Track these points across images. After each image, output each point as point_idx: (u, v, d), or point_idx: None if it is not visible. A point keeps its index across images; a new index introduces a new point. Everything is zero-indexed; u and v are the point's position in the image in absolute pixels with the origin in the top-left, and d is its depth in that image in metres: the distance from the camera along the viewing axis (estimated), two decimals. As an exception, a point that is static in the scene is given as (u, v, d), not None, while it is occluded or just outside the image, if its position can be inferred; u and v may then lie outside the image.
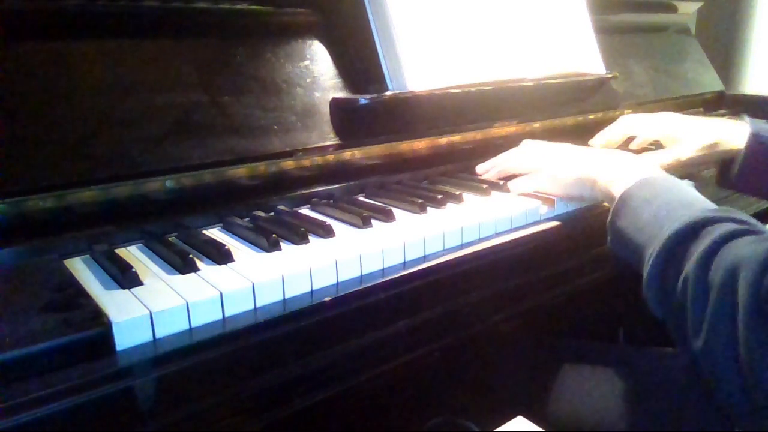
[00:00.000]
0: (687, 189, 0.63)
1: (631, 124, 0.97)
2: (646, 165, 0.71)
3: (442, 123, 0.93)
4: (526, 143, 0.89)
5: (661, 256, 0.53)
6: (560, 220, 0.78)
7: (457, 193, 0.80)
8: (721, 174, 0.90)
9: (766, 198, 0.99)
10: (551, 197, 0.80)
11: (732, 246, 0.48)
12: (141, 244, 0.67)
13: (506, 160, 0.88)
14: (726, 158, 0.87)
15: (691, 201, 0.60)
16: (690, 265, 0.49)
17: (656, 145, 0.96)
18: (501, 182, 0.85)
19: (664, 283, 0.53)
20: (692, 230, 0.52)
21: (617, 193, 0.67)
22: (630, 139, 0.98)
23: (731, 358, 0.44)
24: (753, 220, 0.54)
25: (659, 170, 0.70)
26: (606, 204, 0.73)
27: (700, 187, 0.65)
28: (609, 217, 0.67)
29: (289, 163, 0.80)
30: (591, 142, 0.98)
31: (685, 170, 0.89)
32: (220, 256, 0.60)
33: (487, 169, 0.91)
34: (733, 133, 0.88)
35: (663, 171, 0.71)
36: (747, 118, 0.91)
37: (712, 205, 0.59)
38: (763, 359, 0.41)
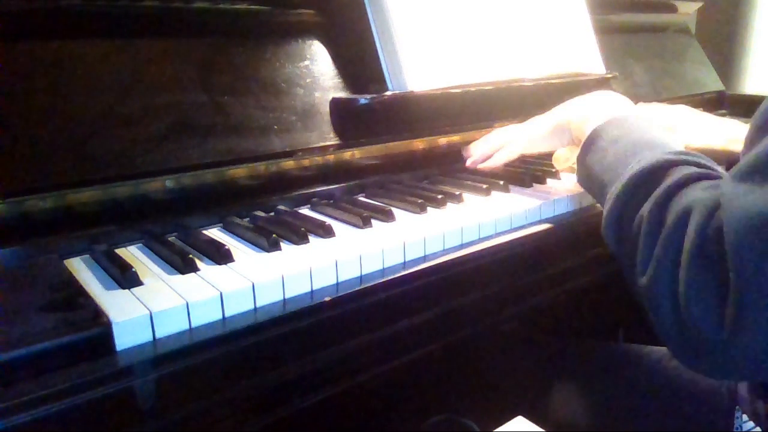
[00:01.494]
0: (656, 129, 0.64)
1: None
2: (619, 103, 0.72)
3: (442, 123, 0.93)
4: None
5: (621, 196, 0.55)
6: (560, 220, 0.78)
7: (457, 193, 0.80)
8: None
9: None
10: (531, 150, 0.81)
11: (688, 190, 0.49)
12: (141, 244, 0.67)
13: (485, 139, 0.88)
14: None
15: (658, 142, 0.61)
16: (646, 206, 0.51)
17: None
18: (501, 182, 0.85)
19: (621, 221, 0.54)
20: (653, 172, 0.53)
21: (588, 131, 0.68)
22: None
23: (670, 295, 0.46)
24: (714, 165, 0.55)
25: (632, 108, 0.72)
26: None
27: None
28: (578, 153, 0.69)
29: (289, 163, 0.80)
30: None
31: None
32: (220, 256, 0.60)
33: (472, 155, 0.89)
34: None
35: (636, 108, 0.71)
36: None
37: (679, 147, 0.60)
38: (696, 298, 0.44)
